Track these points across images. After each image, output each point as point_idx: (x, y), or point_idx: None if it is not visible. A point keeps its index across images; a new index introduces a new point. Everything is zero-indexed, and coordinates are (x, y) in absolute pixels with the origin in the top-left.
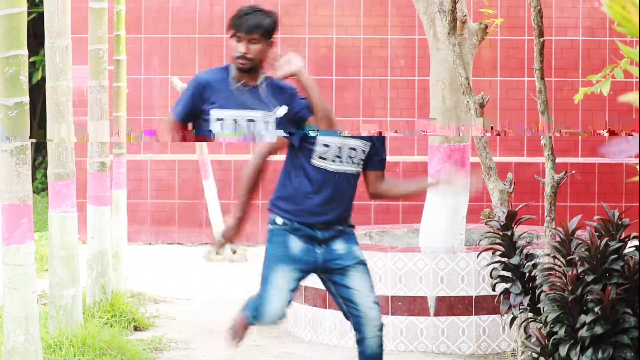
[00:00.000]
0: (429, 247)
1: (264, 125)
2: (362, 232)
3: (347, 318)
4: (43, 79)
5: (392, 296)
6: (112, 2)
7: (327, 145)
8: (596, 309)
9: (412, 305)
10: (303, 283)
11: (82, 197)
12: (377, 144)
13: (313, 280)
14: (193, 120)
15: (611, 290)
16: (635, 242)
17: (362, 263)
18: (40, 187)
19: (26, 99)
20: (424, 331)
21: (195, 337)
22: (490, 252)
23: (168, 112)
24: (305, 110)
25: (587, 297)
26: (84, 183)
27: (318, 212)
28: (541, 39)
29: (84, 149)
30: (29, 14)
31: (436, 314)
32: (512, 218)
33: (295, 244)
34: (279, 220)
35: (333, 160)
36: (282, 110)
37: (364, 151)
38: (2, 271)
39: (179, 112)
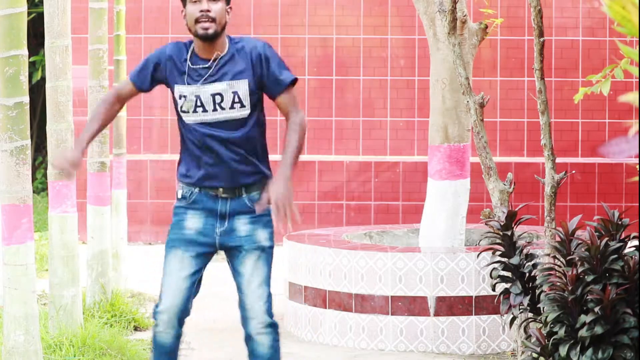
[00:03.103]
0: (429, 247)
1: (235, 96)
2: (362, 232)
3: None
4: (43, 79)
5: (392, 296)
6: (112, 2)
7: (183, 96)
8: (596, 309)
9: (412, 305)
10: (300, 283)
11: (82, 197)
12: (264, 70)
13: (313, 280)
14: (150, 89)
15: (611, 290)
16: (635, 242)
17: (262, 249)
18: (40, 187)
19: (26, 99)
20: (424, 331)
21: (195, 337)
22: (490, 252)
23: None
24: (275, 88)
25: (587, 297)
26: (84, 183)
27: (209, 173)
28: (541, 39)
29: None
30: (29, 14)
31: (436, 314)
32: (512, 218)
33: (192, 223)
34: (179, 193)
35: (195, 111)
36: (243, 84)
37: (236, 93)
38: (2, 271)
39: (137, 76)
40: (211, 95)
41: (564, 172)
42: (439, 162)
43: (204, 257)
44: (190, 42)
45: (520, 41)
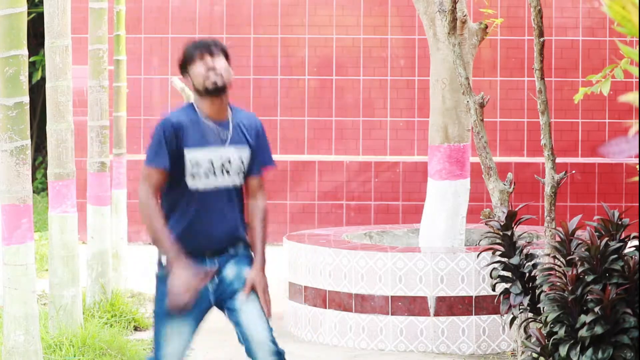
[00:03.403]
0: (429, 247)
1: (240, 163)
2: (362, 232)
3: (241, 343)
4: (43, 79)
5: (392, 296)
6: (112, 2)
7: (197, 163)
8: (596, 309)
9: (412, 305)
10: (300, 283)
11: (82, 197)
12: (256, 145)
13: (313, 280)
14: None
15: (611, 290)
16: (635, 242)
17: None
18: (40, 187)
19: (26, 99)
20: (424, 331)
21: (195, 337)
22: (490, 252)
23: (143, 170)
24: (256, 168)
25: (587, 297)
26: (84, 183)
27: (202, 238)
28: (541, 39)
29: (84, 149)
30: (29, 14)
31: (436, 314)
32: (512, 218)
33: None
34: (163, 260)
35: (207, 177)
36: (246, 152)
37: (241, 159)
38: (2, 271)
39: (162, 162)
40: (221, 159)
41: (564, 172)
42: (439, 162)
43: (201, 319)
44: (189, 105)
45: (520, 41)
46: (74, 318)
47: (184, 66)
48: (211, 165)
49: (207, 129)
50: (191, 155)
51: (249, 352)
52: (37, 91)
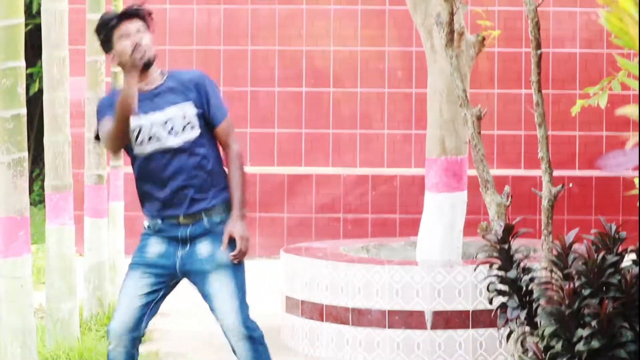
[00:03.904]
0: (425, 261)
1: (183, 119)
2: (359, 245)
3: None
4: (40, 90)
5: (388, 310)
6: None
7: (139, 129)
8: (593, 323)
9: (409, 319)
10: (297, 296)
11: (80, 209)
12: (200, 98)
13: (310, 293)
14: None
15: (608, 304)
16: (633, 256)
17: (225, 266)
18: (37, 199)
19: (23, 110)
20: (421, 345)
21: (193, 351)
22: (487, 265)
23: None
24: (217, 114)
25: (584, 311)
26: (81, 195)
27: (167, 203)
28: (538, 51)
29: (81, 161)
30: (26, 25)
31: (433, 328)
32: (509, 231)
33: (154, 247)
34: (145, 224)
35: (141, 143)
36: (187, 107)
37: (184, 115)
38: None
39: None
40: (164, 122)
41: (561, 185)
42: (436, 175)
43: (162, 281)
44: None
45: (517, 53)
46: (70, 331)
47: (106, 43)
48: (139, 131)
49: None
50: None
51: (225, 335)
52: (35, 103)
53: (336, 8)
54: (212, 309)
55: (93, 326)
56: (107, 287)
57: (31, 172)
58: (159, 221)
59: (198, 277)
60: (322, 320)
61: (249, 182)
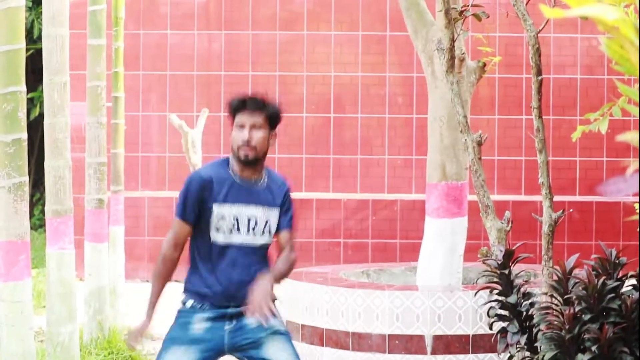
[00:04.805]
0: (426, 286)
1: (266, 223)
2: (360, 270)
3: None
4: (41, 115)
5: (389, 334)
6: (110, 39)
7: (223, 217)
8: (593, 348)
9: (409, 344)
10: (297, 320)
11: (80, 233)
12: (284, 205)
13: (310, 318)
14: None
15: (608, 329)
16: (633, 281)
17: (280, 333)
18: (37, 223)
19: (24, 135)
20: None
21: None
22: (487, 290)
23: (174, 221)
24: (285, 223)
25: (585, 336)
26: (82, 220)
27: (225, 294)
28: (539, 77)
29: (82, 186)
30: (28, 50)
31: (433, 353)
32: (509, 256)
33: (199, 325)
34: (189, 303)
35: (230, 232)
36: (274, 214)
37: (268, 220)
38: None
39: (190, 215)
40: (247, 217)
41: (561, 211)
42: (437, 200)
43: (207, 356)
44: (225, 160)
45: (518, 79)
46: (71, 355)
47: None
48: (235, 222)
49: (236, 186)
50: (218, 210)
51: None
52: (35, 127)
53: (337, 34)
54: None
55: (93, 350)
56: (107, 311)
57: (32, 196)
58: (207, 305)
59: (252, 348)
60: (323, 345)
61: None
